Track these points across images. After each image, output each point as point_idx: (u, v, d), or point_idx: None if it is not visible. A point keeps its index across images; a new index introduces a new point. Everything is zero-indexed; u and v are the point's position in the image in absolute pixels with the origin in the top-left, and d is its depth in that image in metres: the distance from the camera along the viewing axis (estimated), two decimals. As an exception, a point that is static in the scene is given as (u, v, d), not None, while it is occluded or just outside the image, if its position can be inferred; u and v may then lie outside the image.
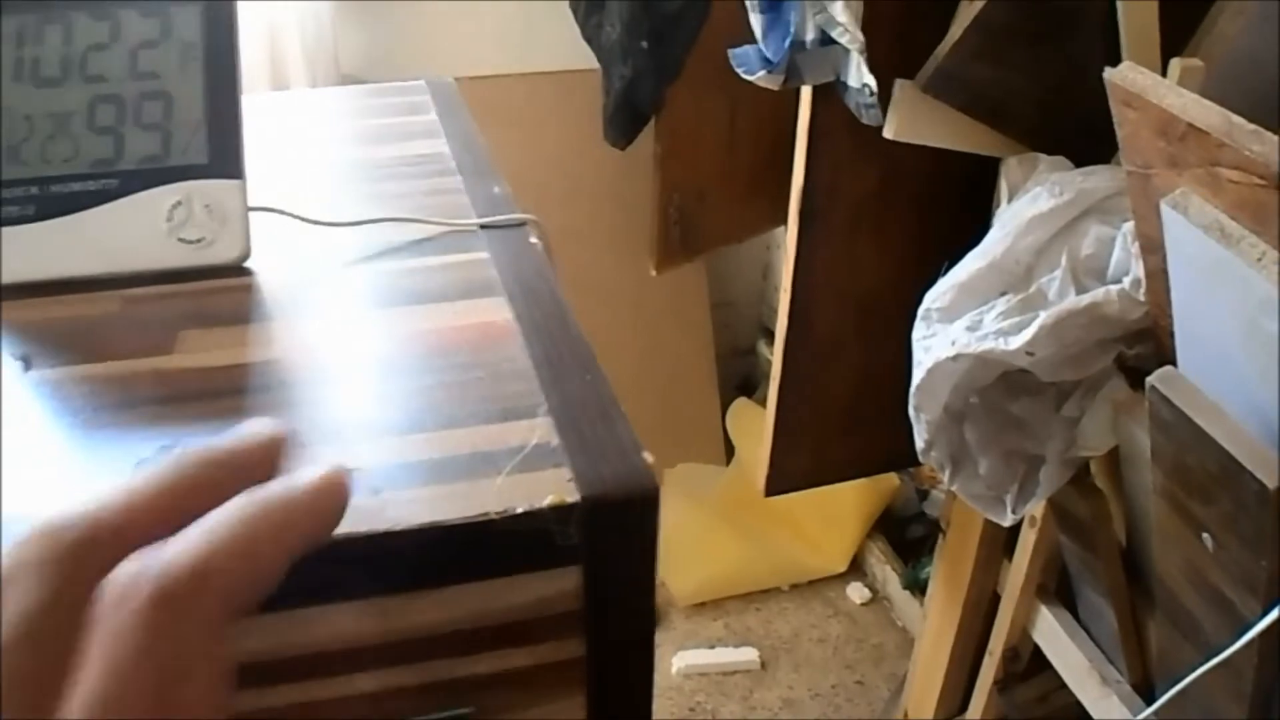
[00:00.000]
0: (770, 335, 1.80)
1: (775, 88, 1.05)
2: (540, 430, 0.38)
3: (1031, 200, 0.95)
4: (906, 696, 1.59)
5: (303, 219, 0.52)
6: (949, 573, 1.40)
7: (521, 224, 0.53)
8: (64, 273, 0.49)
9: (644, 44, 1.46)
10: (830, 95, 1.07)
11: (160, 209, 0.49)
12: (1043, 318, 0.87)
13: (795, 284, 1.14)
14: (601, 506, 0.35)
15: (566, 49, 1.59)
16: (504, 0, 1.71)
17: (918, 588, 1.76)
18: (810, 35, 1.04)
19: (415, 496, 0.36)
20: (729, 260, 2.06)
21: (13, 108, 0.49)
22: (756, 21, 1.06)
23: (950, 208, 1.14)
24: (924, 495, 1.88)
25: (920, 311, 1.00)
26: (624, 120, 1.47)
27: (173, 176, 0.49)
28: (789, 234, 1.16)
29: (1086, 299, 0.88)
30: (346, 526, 0.32)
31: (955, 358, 0.95)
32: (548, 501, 0.35)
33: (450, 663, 0.38)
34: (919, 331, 1.01)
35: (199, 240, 0.49)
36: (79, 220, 0.49)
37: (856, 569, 1.89)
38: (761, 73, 1.04)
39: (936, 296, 1.00)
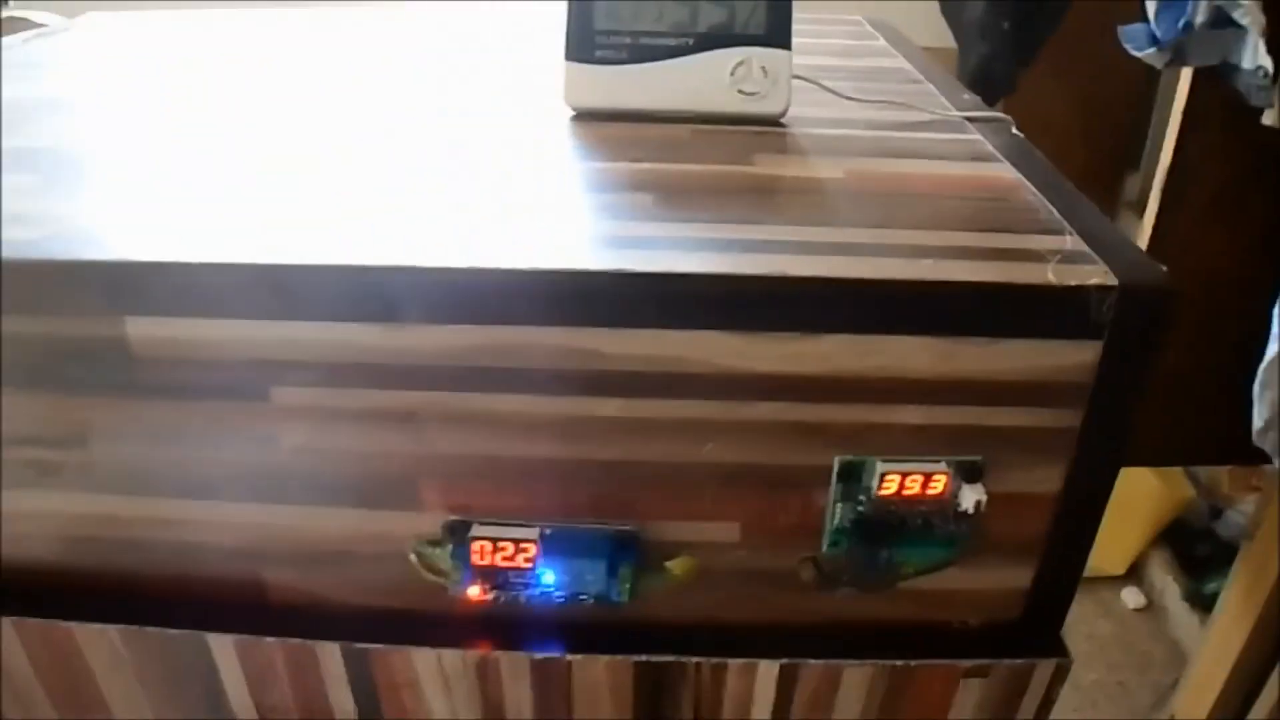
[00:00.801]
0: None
1: (1160, 66, 1.10)
2: (1071, 240, 0.48)
3: None
4: (1175, 703, 1.59)
5: (832, 91, 0.64)
6: (1247, 581, 1.39)
7: (1002, 120, 0.63)
8: (646, 106, 0.62)
9: (1006, 24, 1.53)
10: (1210, 79, 1.11)
11: (725, 66, 0.61)
12: None
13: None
14: (1133, 292, 0.44)
15: (924, 26, 1.66)
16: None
17: (1200, 602, 1.74)
18: (1202, 17, 1.09)
19: (972, 267, 0.46)
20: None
21: (613, -24, 0.62)
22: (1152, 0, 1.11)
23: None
24: (1217, 514, 1.86)
25: (1284, 291, 1.03)
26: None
27: (736, 42, 0.62)
28: (1148, 213, 1.21)
29: None
30: (921, 274, 0.42)
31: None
32: (1094, 280, 0.44)
33: (977, 410, 0.48)
34: (1279, 311, 1.04)
35: (753, 94, 0.61)
36: (661, 67, 0.62)
37: (1134, 575, 1.89)
38: (1150, 50, 1.10)
39: (1303, 278, 1.03)
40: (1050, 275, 0.45)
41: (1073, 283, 0.44)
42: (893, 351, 0.46)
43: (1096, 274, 0.45)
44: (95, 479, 0.51)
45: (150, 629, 0.53)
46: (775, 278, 0.44)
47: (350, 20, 0.84)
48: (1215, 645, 1.43)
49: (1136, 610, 1.86)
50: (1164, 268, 0.46)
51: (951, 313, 0.45)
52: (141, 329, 0.47)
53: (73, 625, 0.53)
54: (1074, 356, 0.46)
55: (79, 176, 0.54)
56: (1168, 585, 1.82)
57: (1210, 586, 1.71)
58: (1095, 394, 0.47)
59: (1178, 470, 1.84)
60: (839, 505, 0.49)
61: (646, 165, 0.55)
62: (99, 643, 0.54)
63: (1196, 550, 1.87)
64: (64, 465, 0.51)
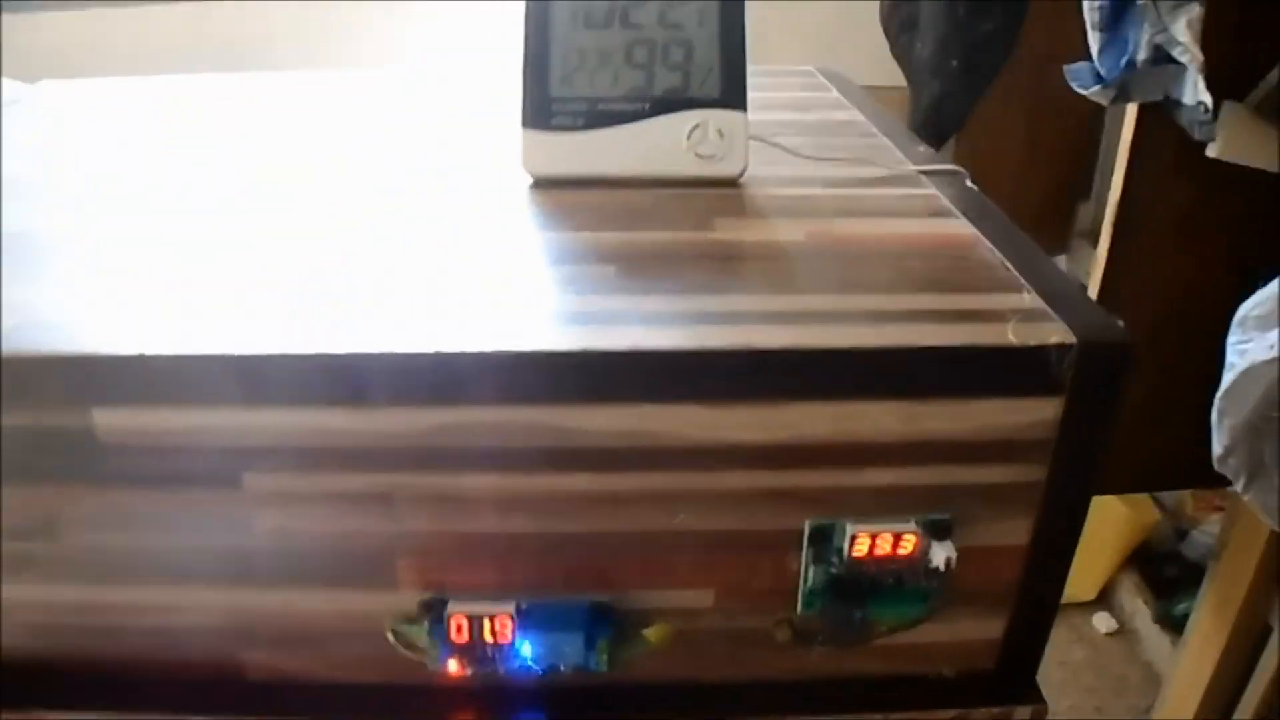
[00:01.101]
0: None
1: (1105, 103, 1.13)
2: (1029, 299, 0.49)
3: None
4: (1153, 723, 1.59)
5: (787, 150, 0.65)
6: (1216, 601, 1.41)
7: (957, 173, 0.64)
8: (604, 171, 0.63)
9: (954, 63, 1.56)
10: (1156, 114, 1.14)
11: (682, 130, 0.62)
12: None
13: (1102, 295, 1.21)
14: (1091, 349, 0.45)
15: (873, 66, 1.69)
16: (812, 19, 1.84)
17: (1170, 624, 1.76)
18: (1143, 55, 1.11)
19: (934, 330, 0.47)
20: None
21: (568, 44, 0.63)
22: (1094, 39, 1.14)
23: (1269, 227, 1.18)
24: (1183, 535, 1.88)
25: (1237, 319, 1.05)
26: (928, 137, 1.56)
27: (691, 105, 0.62)
28: (1101, 246, 1.23)
29: None
30: (885, 340, 0.43)
31: (1271, 361, 1.00)
32: (1053, 339, 0.45)
33: (944, 469, 0.49)
34: (1234, 337, 1.06)
35: (711, 156, 0.62)
36: (618, 132, 0.63)
37: (1104, 600, 1.90)
38: (1095, 88, 1.12)
39: (1255, 305, 1.05)
40: (1010, 336, 0.46)
41: (1033, 342, 0.45)
42: (860, 416, 0.46)
43: (1056, 332, 0.46)
44: (66, 568, 0.51)
45: (128, 715, 0.53)
46: (743, 350, 0.45)
47: (305, 90, 0.84)
48: (1188, 666, 1.45)
49: (1108, 635, 1.87)
50: (1120, 322, 0.47)
51: (917, 377, 0.46)
52: (108, 419, 0.47)
53: (48, 715, 0.53)
54: (1037, 413, 0.47)
55: (41, 262, 0.54)
56: (1138, 608, 1.84)
57: (1180, 608, 1.72)
58: (1059, 448, 0.47)
59: (1142, 494, 1.86)
60: (811, 567, 0.50)
61: (608, 235, 0.56)
62: (74, 733, 0.53)
63: (1164, 572, 1.89)
64: (34, 556, 0.51)
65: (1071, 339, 0.45)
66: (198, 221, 0.59)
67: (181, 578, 0.52)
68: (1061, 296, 0.49)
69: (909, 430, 0.47)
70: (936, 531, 0.49)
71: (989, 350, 0.46)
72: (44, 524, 0.50)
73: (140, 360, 0.46)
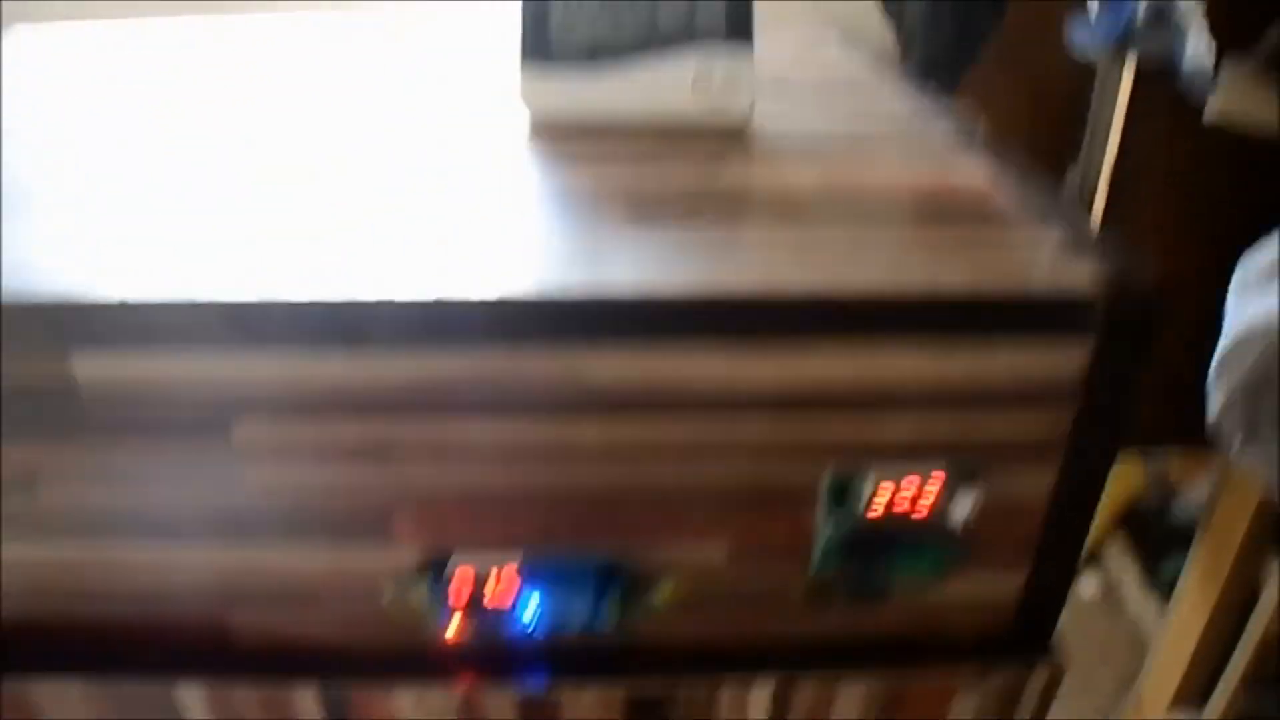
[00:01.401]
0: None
1: (1104, 62, 1.11)
2: (1057, 240, 0.47)
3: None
4: (1141, 687, 1.60)
5: (795, 94, 0.63)
6: (1207, 562, 1.41)
7: (968, 120, 0.62)
8: (606, 108, 0.60)
9: (946, 27, 1.53)
10: (1151, 77, 1.12)
11: (686, 70, 0.60)
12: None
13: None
14: (1125, 292, 0.43)
15: (864, 31, 1.66)
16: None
17: (1157, 588, 1.76)
18: (1143, 16, 1.10)
19: (960, 272, 0.45)
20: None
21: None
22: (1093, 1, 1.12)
23: (1264, 190, 1.17)
24: (1170, 498, 1.88)
25: (1236, 279, 1.04)
26: (920, 99, 1.54)
27: (697, 45, 0.60)
28: (1095, 208, 1.22)
29: None
30: (910, 283, 0.41)
31: (1269, 323, 0.99)
32: (1083, 281, 0.43)
33: (968, 417, 0.47)
34: (1233, 298, 1.05)
35: (717, 95, 0.60)
36: (621, 68, 0.60)
37: (1090, 563, 1.90)
38: (1095, 46, 1.11)
39: (1254, 267, 1.04)
40: (1039, 278, 0.43)
41: (1062, 285, 0.43)
42: (884, 362, 0.44)
43: (1085, 274, 0.44)
44: (46, 527, 0.48)
45: (114, 679, 0.50)
46: (760, 294, 0.43)
47: (296, 29, 0.81)
48: (1175, 630, 1.45)
49: (1095, 599, 1.87)
50: (1152, 265, 0.45)
51: (942, 320, 0.44)
52: (89, 367, 0.44)
53: (28, 681, 0.50)
54: (1066, 358, 0.45)
55: (18, 204, 0.51)
56: (1124, 572, 1.84)
57: (1166, 572, 1.72)
58: (1088, 395, 0.46)
59: (1130, 457, 1.86)
60: (830, 520, 0.48)
61: (614, 176, 0.54)
62: (59, 700, 0.51)
63: (1151, 535, 1.89)
64: (12, 514, 0.48)
65: (1102, 281, 0.43)
66: (185, 164, 0.56)
67: (168, 534, 0.49)
68: (1091, 238, 0.47)
69: (934, 376, 0.45)
70: (962, 475, 0.47)
71: (1017, 293, 0.44)
72: (22, 480, 0.47)
73: (122, 304, 0.43)
